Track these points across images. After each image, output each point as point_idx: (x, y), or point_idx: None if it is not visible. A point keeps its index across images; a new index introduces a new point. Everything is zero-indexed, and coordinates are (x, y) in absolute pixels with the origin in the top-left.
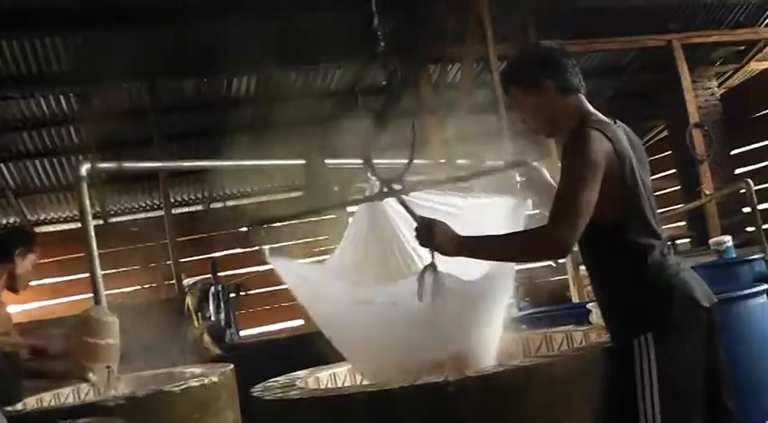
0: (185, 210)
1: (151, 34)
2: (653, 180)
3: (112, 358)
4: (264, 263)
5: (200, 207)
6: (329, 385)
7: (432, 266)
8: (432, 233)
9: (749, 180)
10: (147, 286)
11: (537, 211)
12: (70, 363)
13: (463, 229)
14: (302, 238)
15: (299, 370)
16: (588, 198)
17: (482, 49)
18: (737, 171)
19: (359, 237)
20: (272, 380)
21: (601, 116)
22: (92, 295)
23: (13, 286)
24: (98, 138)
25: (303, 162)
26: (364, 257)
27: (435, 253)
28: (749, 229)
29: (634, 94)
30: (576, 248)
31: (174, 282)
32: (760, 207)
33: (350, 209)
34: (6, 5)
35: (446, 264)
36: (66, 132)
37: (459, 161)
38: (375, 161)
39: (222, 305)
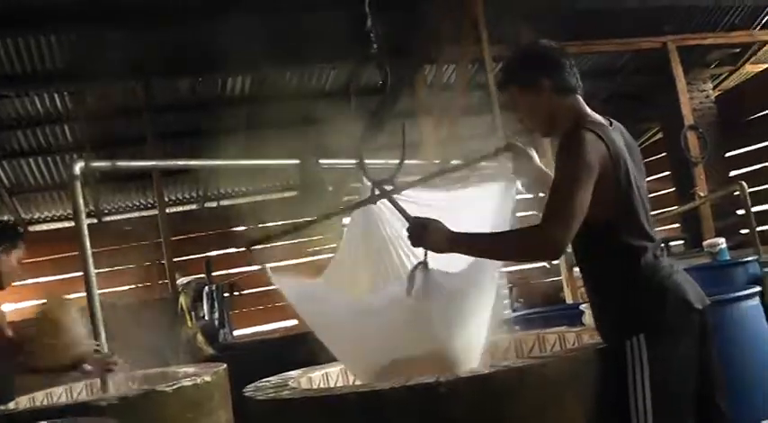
0: (179, 209)
1: (146, 33)
2: (647, 182)
3: (75, 356)
4: (258, 264)
5: (194, 206)
6: (321, 385)
7: (423, 264)
8: (424, 233)
9: (743, 182)
10: (140, 285)
11: (529, 196)
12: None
13: (456, 222)
14: (296, 239)
15: (292, 370)
16: (582, 199)
17: (477, 51)
18: (732, 173)
19: (354, 241)
20: (264, 380)
21: (597, 117)
22: (85, 294)
23: None
24: (92, 136)
25: (297, 162)
26: (360, 261)
27: (429, 252)
28: (743, 231)
29: (629, 97)
30: (569, 249)
31: (167, 281)
32: (754, 209)
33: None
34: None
35: (438, 260)
36: (61, 131)
37: (454, 162)
38: (369, 162)
39: (216, 305)
